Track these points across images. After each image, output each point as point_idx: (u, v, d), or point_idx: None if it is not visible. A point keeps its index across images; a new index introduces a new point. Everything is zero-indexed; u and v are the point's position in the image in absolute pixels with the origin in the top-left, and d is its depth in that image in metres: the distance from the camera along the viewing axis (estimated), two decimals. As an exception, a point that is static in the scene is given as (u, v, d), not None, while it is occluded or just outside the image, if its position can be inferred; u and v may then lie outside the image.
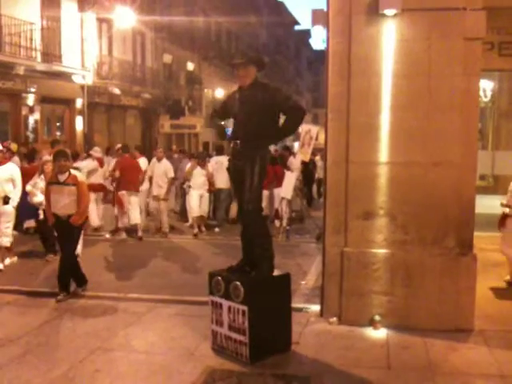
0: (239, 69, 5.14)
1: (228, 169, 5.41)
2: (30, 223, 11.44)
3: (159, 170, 12.20)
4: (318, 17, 6.12)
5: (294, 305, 5.74)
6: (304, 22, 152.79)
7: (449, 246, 5.77)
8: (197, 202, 12.20)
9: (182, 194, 14.18)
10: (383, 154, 5.82)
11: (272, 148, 12.86)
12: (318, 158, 19.62)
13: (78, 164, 10.49)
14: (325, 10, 5.96)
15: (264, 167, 5.18)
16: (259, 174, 5.09)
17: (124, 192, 11.17)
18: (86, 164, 11.41)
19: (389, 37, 5.72)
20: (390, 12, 5.62)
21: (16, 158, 11.56)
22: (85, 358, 5.07)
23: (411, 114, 5.73)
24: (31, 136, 20.01)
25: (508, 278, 7.23)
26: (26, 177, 9.26)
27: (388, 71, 5.74)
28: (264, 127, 5.04)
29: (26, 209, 9.98)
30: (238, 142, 5.13)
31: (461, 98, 5.65)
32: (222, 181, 12.42)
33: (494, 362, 5.02)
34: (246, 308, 4.92)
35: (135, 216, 11.29)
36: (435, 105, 5.68)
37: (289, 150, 16.44)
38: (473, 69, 5.66)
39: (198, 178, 12.21)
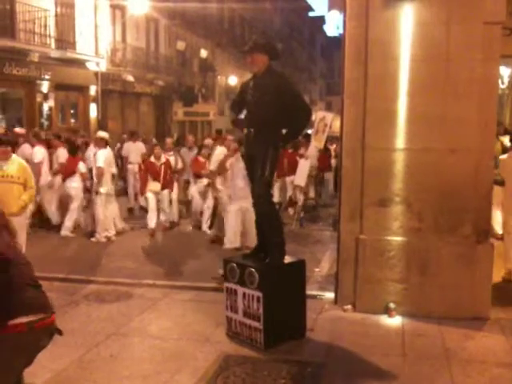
0: (246, 56, 5.17)
1: (243, 156, 5.40)
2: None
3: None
4: (335, 0, 6.04)
5: (309, 292, 5.71)
6: (318, 7, 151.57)
7: (465, 233, 5.70)
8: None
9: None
10: (400, 140, 5.75)
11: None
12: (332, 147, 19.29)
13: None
14: (342, -7, 5.88)
15: (275, 155, 5.19)
16: (270, 162, 5.09)
17: None
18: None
19: (407, 20, 5.62)
20: (408, -5, 5.52)
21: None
22: (100, 343, 5.10)
23: (429, 99, 5.64)
24: (45, 123, 20.08)
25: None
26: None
27: (405, 56, 5.65)
28: (273, 116, 5.02)
29: None
30: (252, 130, 5.14)
31: (479, 83, 5.55)
32: None
33: (511, 351, 4.97)
34: (260, 294, 4.90)
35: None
36: (453, 90, 5.58)
37: (307, 137, 15.81)
38: (492, 54, 5.55)
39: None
